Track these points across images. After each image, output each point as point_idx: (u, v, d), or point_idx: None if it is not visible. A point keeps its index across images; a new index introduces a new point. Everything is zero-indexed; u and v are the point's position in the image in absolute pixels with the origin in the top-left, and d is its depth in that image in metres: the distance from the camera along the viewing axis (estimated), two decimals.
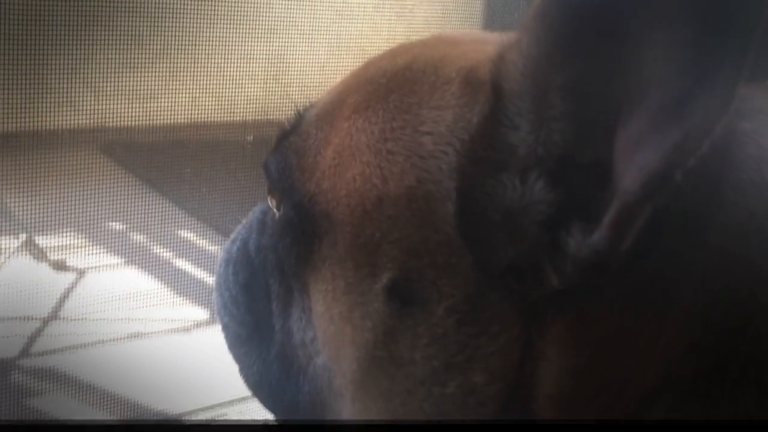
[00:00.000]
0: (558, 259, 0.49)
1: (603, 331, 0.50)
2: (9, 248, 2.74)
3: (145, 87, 3.00)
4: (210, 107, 3.14)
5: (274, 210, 0.68)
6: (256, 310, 0.71)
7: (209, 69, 3.11)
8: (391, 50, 0.65)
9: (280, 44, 3.09)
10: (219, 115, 3.30)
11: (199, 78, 3.27)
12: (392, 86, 0.59)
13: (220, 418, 2.25)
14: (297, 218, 0.62)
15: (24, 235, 2.79)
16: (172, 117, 2.83)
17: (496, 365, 0.52)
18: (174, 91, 3.30)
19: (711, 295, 0.48)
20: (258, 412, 2.53)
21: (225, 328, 0.76)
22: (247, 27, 2.80)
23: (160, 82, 3.12)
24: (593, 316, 0.50)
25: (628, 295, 0.49)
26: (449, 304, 0.53)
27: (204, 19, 2.77)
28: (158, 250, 2.96)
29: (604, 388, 0.50)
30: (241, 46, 2.81)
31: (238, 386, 2.55)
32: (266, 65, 2.98)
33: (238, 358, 0.75)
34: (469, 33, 0.68)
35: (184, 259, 3.02)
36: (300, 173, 0.62)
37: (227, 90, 3.18)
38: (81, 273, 2.86)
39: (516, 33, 0.49)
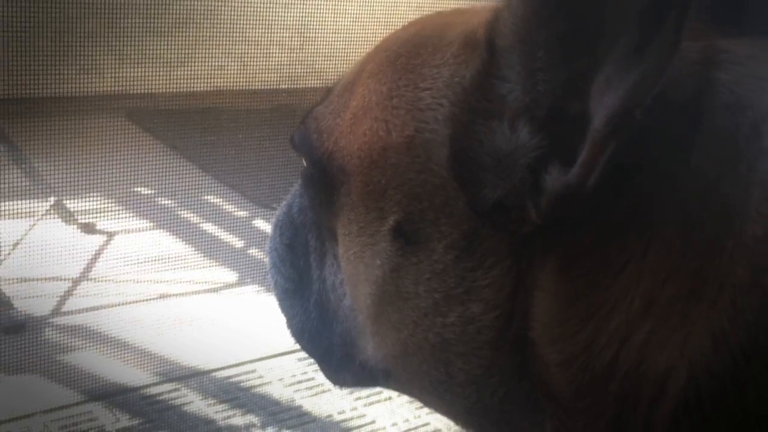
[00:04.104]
0: (537, 196, 0.54)
1: (590, 262, 0.54)
2: (39, 211, 2.78)
3: (170, 53, 3.01)
4: (235, 74, 3.15)
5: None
6: (298, 266, 0.78)
7: (234, 36, 3.11)
8: (407, 23, 0.72)
9: (307, 11, 3.09)
10: (244, 82, 3.31)
11: (224, 45, 3.27)
12: (401, 51, 0.65)
13: (248, 374, 2.29)
14: (317, 174, 0.70)
15: (53, 198, 2.83)
16: (197, 84, 2.84)
17: (491, 296, 0.58)
18: (199, 58, 3.31)
19: (689, 228, 0.52)
20: (283, 368, 2.55)
21: (275, 285, 0.83)
22: None
23: (184, 49, 3.13)
24: (580, 249, 0.54)
25: (612, 230, 0.53)
26: (447, 241, 0.59)
27: None
28: (185, 214, 3.00)
29: (593, 315, 0.54)
30: (267, 12, 2.80)
31: (267, 343, 2.58)
32: (292, 32, 2.98)
33: (285, 310, 0.83)
34: (485, 5, 0.72)
35: (210, 222, 3.05)
36: (318, 135, 0.70)
37: (252, 57, 3.18)
38: (110, 236, 2.91)
39: None
